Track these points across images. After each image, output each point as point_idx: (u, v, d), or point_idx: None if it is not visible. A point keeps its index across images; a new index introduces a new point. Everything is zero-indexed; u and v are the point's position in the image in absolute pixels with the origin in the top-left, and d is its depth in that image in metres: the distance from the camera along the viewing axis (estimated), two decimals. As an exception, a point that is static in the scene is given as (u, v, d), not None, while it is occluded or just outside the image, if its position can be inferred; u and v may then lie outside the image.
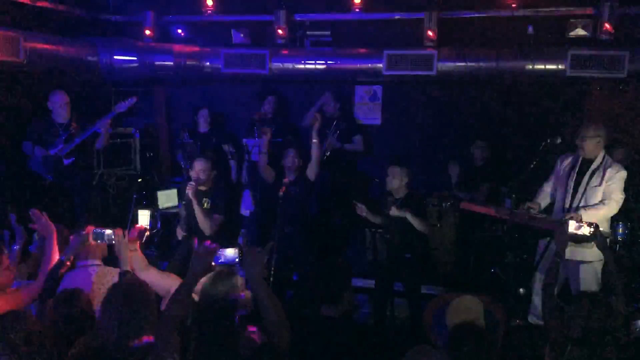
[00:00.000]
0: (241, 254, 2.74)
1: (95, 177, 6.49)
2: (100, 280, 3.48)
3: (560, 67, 6.02)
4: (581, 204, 4.57)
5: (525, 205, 4.75)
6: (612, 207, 4.51)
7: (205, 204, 5.18)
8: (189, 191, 5.00)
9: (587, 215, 4.32)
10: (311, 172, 5.39)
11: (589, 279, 4.54)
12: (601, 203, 4.51)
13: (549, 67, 6.09)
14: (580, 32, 5.92)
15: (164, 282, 3.40)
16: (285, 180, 5.32)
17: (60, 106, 5.78)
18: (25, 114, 6.16)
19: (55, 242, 3.45)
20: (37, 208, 3.61)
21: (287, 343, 2.51)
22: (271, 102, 6.84)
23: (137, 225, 3.60)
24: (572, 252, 4.30)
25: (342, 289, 2.81)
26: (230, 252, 2.78)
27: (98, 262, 3.70)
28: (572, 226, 3.54)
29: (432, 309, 3.31)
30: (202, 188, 5.19)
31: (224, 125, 7.35)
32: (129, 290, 2.65)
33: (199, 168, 5.13)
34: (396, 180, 4.93)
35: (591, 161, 4.63)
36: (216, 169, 5.86)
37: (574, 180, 4.68)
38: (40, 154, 5.67)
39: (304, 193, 5.40)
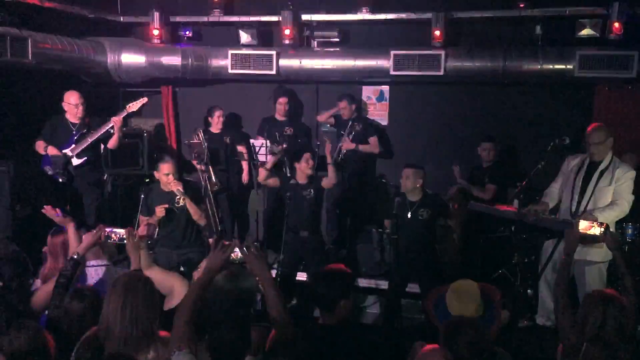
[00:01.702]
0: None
1: (103, 177, 6.51)
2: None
3: (568, 67, 6.00)
4: (590, 205, 4.52)
5: (533, 209, 4.70)
6: (624, 207, 4.47)
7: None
8: (179, 189, 4.82)
9: (602, 217, 4.26)
10: (327, 184, 5.41)
11: (594, 280, 4.51)
12: (613, 204, 4.45)
13: (557, 67, 6.07)
14: (588, 32, 5.91)
15: (167, 280, 3.42)
16: (293, 181, 5.35)
17: (74, 106, 5.80)
18: (38, 114, 6.18)
19: (73, 234, 3.47)
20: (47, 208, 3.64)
21: (292, 334, 2.56)
22: (283, 104, 6.82)
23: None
24: (578, 252, 4.26)
25: (338, 297, 2.78)
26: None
27: (107, 262, 3.72)
28: (582, 226, 3.52)
29: (432, 297, 3.33)
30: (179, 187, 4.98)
31: (238, 125, 7.36)
32: (130, 280, 2.67)
33: (174, 170, 4.94)
34: (409, 182, 4.91)
35: (599, 161, 4.59)
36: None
37: (581, 180, 4.62)
38: (52, 154, 5.69)
39: (315, 197, 5.38)
